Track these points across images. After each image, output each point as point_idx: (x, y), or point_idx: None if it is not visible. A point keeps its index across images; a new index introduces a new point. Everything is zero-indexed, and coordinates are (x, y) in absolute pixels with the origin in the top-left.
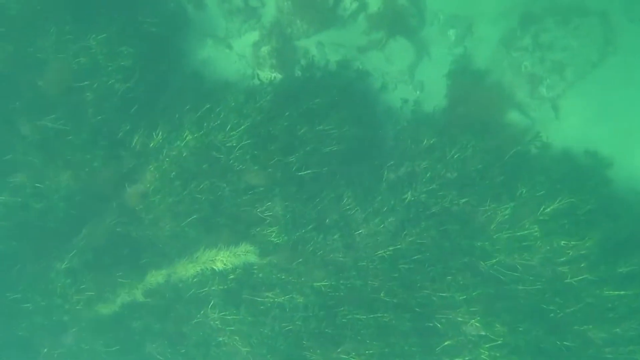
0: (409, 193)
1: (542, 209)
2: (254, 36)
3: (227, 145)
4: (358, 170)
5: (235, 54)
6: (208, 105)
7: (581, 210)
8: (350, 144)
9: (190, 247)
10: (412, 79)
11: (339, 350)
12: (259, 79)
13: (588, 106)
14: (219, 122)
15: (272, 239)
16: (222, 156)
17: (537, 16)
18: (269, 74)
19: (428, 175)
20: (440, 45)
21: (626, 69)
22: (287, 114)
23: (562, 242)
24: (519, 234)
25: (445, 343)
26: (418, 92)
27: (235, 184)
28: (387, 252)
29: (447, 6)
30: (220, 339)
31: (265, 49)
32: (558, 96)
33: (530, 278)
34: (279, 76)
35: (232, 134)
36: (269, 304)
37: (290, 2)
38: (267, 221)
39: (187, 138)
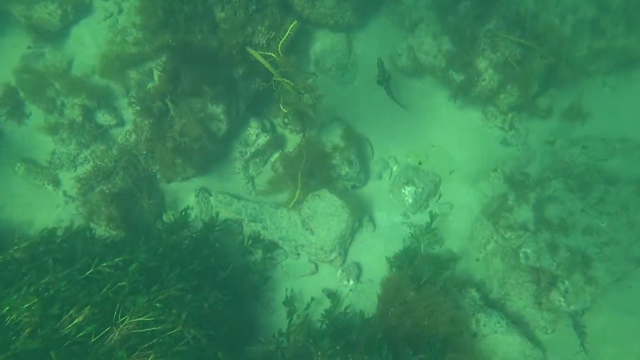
0: None
1: None
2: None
3: None
4: None
5: (62, 193)
6: None
7: None
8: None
9: None
10: (344, 257)
11: None
12: (92, 235)
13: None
14: None
15: None
16: None
17: (541, 177)
18: (105, 231)
19: None
20: (390, 209)
21: None
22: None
23: None
24: None
25: None
26: (351, 282)
27: None
28: None
29: (402, 152)
30: None
31: (103, 189)
32: (583, 310)
33: None
34: (120, 234)
35: None
36: None
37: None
38: None
39: None
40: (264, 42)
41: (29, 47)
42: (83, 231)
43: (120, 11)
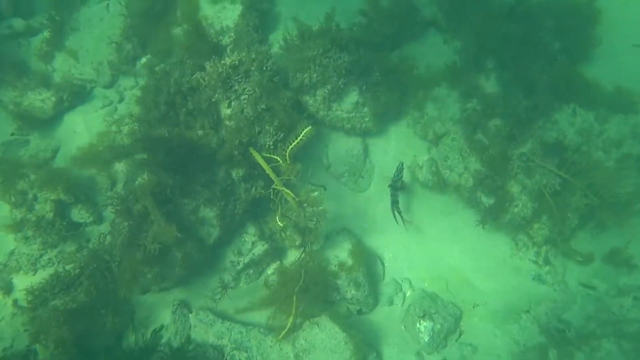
0: None
1: None
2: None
3: None
4: None
5: (11, 302)
6: None
7: None
8: None
9: None
10: None
11: None
12: None
13: None
14: None
15: None
16: None
17: (584, 329)
18: (52, 356)
19: None
20: (402, 345)
21: None
22: None
23: None
24: None
25: None
26: None
27: None
28: None
29: (418, 275)
30: None
31: (58, 304)
32: None
33: None
34: None
35: None
36: None
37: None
38: None
39: None
40: (271, 143)
41: (12, 134)
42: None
43: (121, 100)
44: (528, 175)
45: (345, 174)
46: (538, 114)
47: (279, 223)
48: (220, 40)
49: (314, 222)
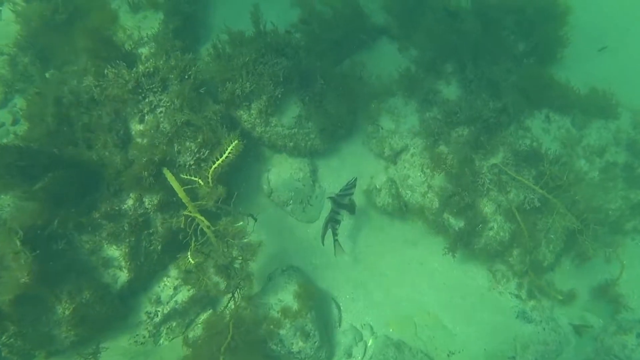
0: None
1: None
2: None
3: None
4: None
5: None
6: None
7: None
8: None
9: None
10: None
11: None
12: None
13: None
14: None
15: None
16: None
17: None
18: None
19: None
20: None
21: None
22: None
23: None
24: None
25: None
26: None
27: None
28: None
29: (381, 319)
30: None
31: None
32: None
33: None
34: None
35: None
36: None
37: None
38: None
39: None
40: (192, 162)
41: None
42: None
43: (15, 122)
44: (502, 191)
45: (291, 202)
46: (508, 117)
47: (190, 259)
48: (136, 48)
49: (240, 260)
